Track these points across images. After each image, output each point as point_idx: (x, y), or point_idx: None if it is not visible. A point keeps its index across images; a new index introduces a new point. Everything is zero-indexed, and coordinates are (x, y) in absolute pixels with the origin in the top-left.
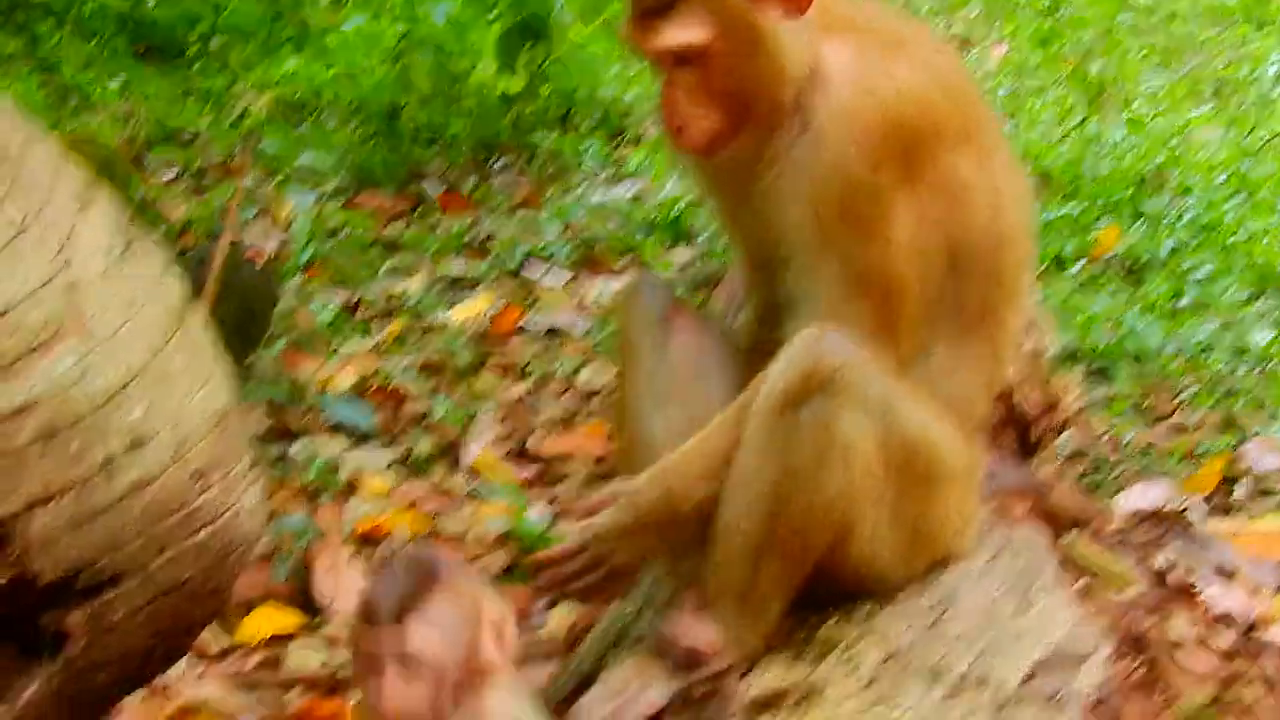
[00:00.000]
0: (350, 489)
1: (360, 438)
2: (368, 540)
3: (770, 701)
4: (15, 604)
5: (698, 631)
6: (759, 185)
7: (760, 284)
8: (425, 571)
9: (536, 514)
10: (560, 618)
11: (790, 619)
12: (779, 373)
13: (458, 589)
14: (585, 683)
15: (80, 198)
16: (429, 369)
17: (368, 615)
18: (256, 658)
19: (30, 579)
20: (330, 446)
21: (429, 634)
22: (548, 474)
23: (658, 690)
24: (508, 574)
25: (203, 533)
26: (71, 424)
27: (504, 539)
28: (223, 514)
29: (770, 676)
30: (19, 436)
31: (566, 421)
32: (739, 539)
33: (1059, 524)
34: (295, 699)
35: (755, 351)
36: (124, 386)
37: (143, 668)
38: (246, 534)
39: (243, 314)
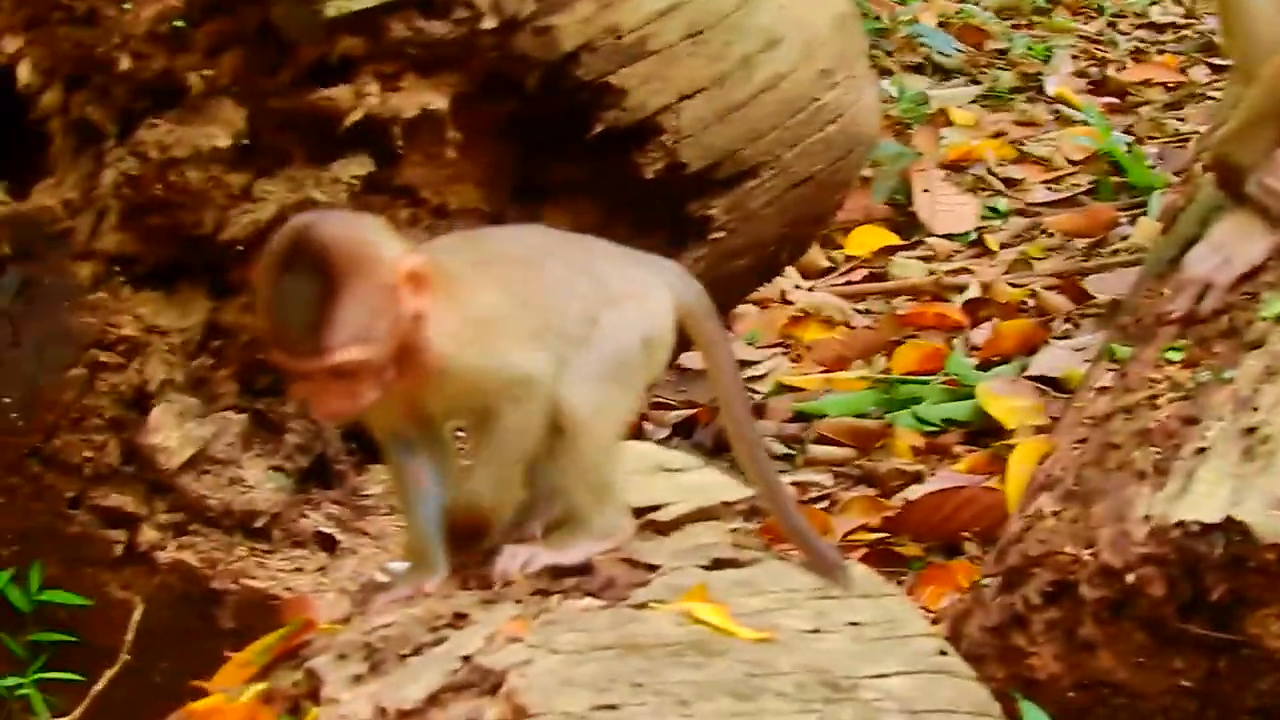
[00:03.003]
0: (939, 119)
1: (944, 74)
2: (958, 167)
3: None
4: (667, 192)
5: None
6: None
7: None
8: (316, 262)
9: (1118, 134)
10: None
11: None
12: None
13: (357, 261)
14: (1189, 243)
15: None
16: (1006, 9)
17: (278, 340)
18: (862, 272)
19: (680, 167)
20: (917, 82)
21: (349, 345)
22: (1126, 101)
23: (1259, 245)
24: (1093, 193)
25: (829, 128)
26: (714, 23)
27: (1091, 157)
28: (846, 111)
29: None
30: (670, 34)
31: (1140, 53)
32: None
33: None
34: (901, 305)
35: None
36: None
37: (775, 255)
38: (866, 131)
39: None
